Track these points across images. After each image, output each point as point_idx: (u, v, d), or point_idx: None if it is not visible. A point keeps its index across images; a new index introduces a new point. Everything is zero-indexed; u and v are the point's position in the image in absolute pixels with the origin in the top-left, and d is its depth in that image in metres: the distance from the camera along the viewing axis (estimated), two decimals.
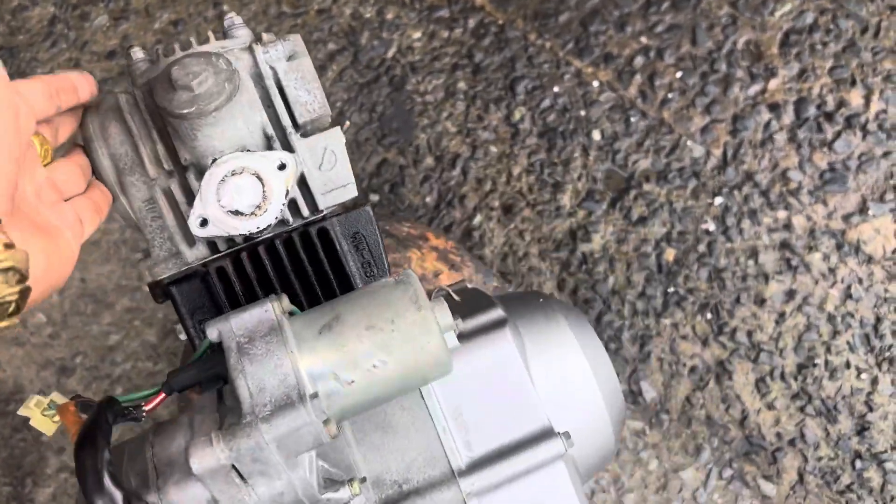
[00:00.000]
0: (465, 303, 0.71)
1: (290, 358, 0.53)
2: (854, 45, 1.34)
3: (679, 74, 1.35)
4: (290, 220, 0.65)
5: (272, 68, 0.65)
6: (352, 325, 0.56)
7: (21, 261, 0.44)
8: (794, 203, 1.28)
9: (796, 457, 1.17)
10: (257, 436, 0.50)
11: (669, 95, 1.34)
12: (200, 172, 0.62)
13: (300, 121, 0.65)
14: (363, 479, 0.62)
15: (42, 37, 1.48)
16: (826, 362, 1.20)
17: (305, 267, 0.67)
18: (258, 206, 0.61)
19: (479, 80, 1.38)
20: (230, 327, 0.56)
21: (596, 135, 1.33)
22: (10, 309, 0.44)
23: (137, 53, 0.66)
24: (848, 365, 1.20)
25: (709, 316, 1.24)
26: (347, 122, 0.71)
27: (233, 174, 0.61)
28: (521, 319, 0.73)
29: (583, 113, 1.33)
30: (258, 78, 0.64)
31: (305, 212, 0.65)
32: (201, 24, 1.45)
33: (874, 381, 1.19)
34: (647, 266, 1.26)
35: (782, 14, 1.37)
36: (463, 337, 0.67)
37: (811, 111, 1.32)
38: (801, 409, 1.19)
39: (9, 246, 0.44)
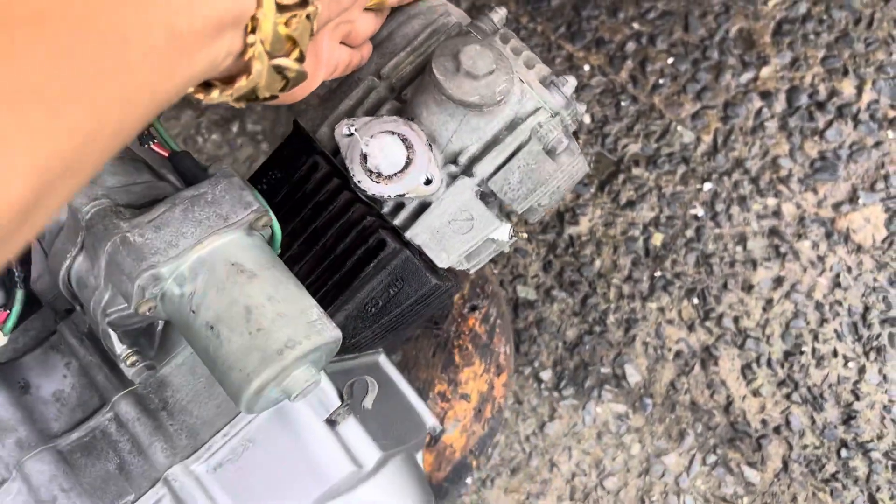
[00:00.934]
0: None
1: None
2: (847, 36, 1.34)
3: (671, 60, 1.34)
4: (385, 209, 0.66)
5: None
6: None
7: (295, 71, 0.48)
8: (784, 190, 1.27)
9: (781, 444, 1.15)
10: None
11: (660, 81, 1.33)
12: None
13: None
14: None
15: None
16: (813, 350, 1.19)
17: (335, 240, 0.67)
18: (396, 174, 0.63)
19: None
20: None
21: (586, 118, 1.32)
22: (249, 97, 0.49)
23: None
24: (835, 353, 1.19)
25: (695, 301, 1.22)
26: (525, 234, 0.72)
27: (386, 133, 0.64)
28: None
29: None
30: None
31: (397, 220, 0.66)
32: None
33: (861, 370, 1.18)
34: (635, 250, 1.25)
35: (776, 3, 1.37)
36: None
37: (803, 100, 1.31)
38: (787, 397, 1.17)
39: (299, 60, 0.48)
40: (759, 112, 1.31)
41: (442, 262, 0.68)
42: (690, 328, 1.21)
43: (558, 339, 1.21)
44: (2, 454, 0.64)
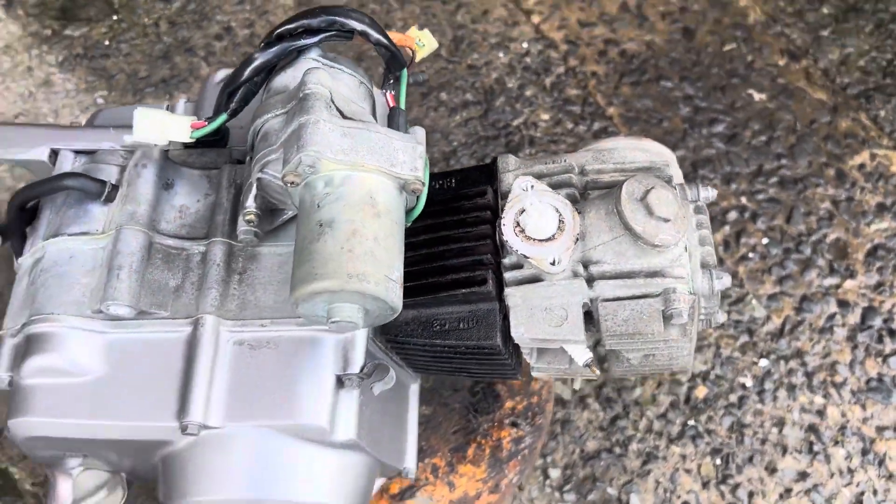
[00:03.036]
0: None
1: None
2: None
3: (765, 241, 1.41)
4: (506, 260, 0.74)
5: None
6: None
7: None
8: (834, 395, 1.29)
9: None
10: None
11: (750, 255, 1.39)
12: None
13: None
14: None
15: None
16: None
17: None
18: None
19: None
20: None
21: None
22: None
23: None
24: None
25: (718, 462, 1.23)
26: (597, 373, 0.80)
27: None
28: None
29: None
30: None
31: (508, 274, 0.74)
32: None
33: None
34: (677, 393, 1.27)
35: (878, 229, 1.43)
36: None
37: (877, 322, 1.35)
38: None
39: None
40: (832, 316, 1.35)
41: (517, 333, 0.71)
42: (705, 485, 1.21)
43: (577, 445, 1.22)
44: (115, 216, 0.71)
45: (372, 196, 0.64)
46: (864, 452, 1.24)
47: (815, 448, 1.24)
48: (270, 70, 0.70)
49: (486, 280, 0.71)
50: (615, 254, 0.69)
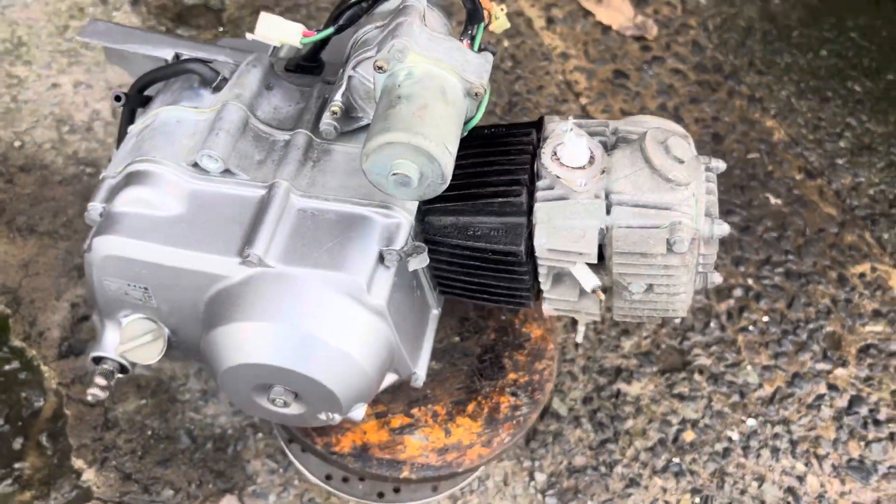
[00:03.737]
0: None
1: None
2: None
3: (765, 319, 1.50)
4: (540, 182, 0.85)
5: None
6: None
7: None
8: (815, 466, 1.34)
9: None
10: None
11: (750, 328, 1.49)
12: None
13: None
14: None
15: None
16: None
17: None
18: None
19: None
20: None
21: (676, 319, 1.48)
22: None
23: None
24: None
25: (696, 500, 1.27)
26: (602, 297, 0.88)
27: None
28: None
29: None
30: None
31: (539, 192, 0.86)
32: None
33: None
34: (666, 432, 1.34)
35: (872, 330, 1.53)
36: None
37: (863, 410, 1.42)
38: None
39: None
40: (821, 396, 1.43)
41: (539, 242, 0.83)
42: None
43: (566, 457, 1.28)
44: (222, 97, 0.87)
45: (444, 88, 0.78)
46: None
47: None
48: None
49: (521, 193, 0.83)
50: (633, 185, 0.81)
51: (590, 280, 0.84)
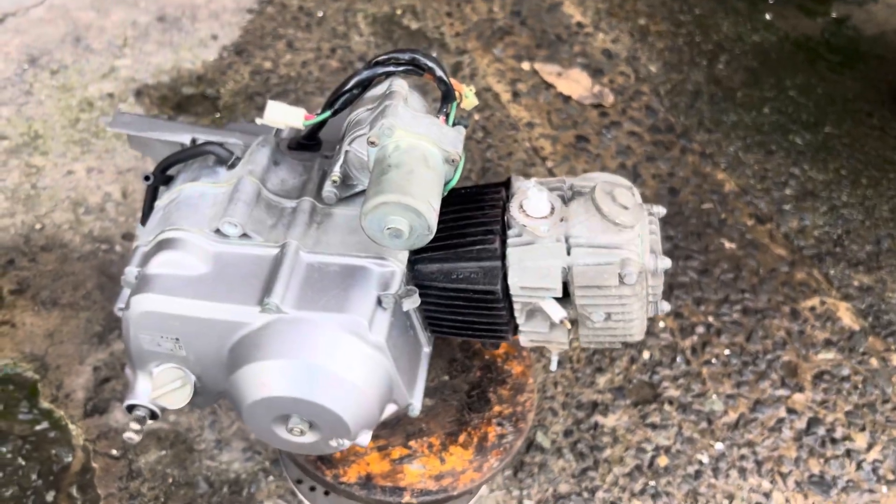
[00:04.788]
0: None
1: None
2: (873, 407, 1.61)
3: (727, 352, 1.65)
4: (510, 232, 1.02)
5: None
6: None
7: None
8: (780, 483, 1.47)
9: None
10: None
11: (713, 360, 1.63)
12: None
13: None
14: None
15: None
16: None
17: None
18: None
19: None
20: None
21: (646, 355, 1.62)
22: None
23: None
24: None
25: None
26: (569, 326, 1.01)
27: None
28: None
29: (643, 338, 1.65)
30: None
31: (510, 239, 1.02)
32: None
33: None
34: (641, 458, 1.46)
35: (825, 358, 1.68)
36: None
37: (821, 430, 1.56)
38: None
39: None
40: (781, 419, 1.56)
41: (512, 282, 0.98)
42: None
43: (551, 486, 1.40)
44: (237, 172, 1.02)
45: (425, 157, 0.94)
46: None
47: None
48: (366, 86, 1.03)
49: (495, 241, 0.98)
50: (588, 229, 0.97)
51: (557, 312, 0.98)
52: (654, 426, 1.51)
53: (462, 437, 1.20)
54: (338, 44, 2.16)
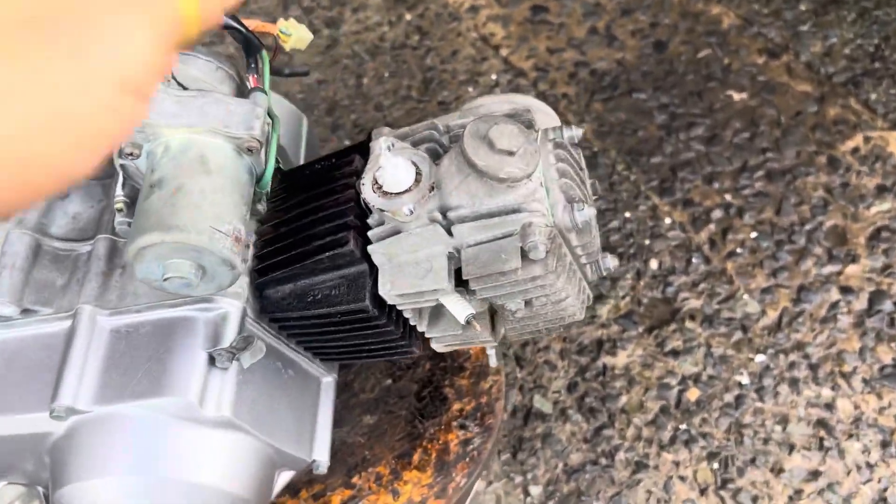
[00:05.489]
0: None
1: None
2: None
3: (753, 235, 1.34)
4: (371, 220, 0.71)
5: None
6: None
7: None
8: (844, 386, 1.18)
9: None
10: None
11: (738, 250, 1.32)
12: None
13: None
14: None
15: None
16: None
17: None
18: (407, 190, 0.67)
19: None
20: None
21: (653, 264, 1.33)
22: None
23: None
24: None
25: (716, 466, 1.13)
26: (490, 339, 0.76)
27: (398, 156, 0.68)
28: None
29: (647, 242, 1.35)
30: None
31: (371, 232, 0.70)
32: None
33: None
34: (666, 398, 1.20)
35: (879, 211, 1.35)
36: None
37: (887, 305, 1.25)
38: None
39: None
40: (835, 304, 1.26)
41: (384, 290, 0.69)
42: (703, 492, 1.12)
43: (560, 459, 1.16)
44: (5, 225, 0.74)
45: (203, 156, 0.65)
46: (885, 445, 1.13)
47: (827, 444, 1.14)
48: None
49: (348, 240, 0.70)
50: (468, 195, 0.67)
51: (462, 310, 0.71)
52: (675, 353, 1.23)
53: (416, 457, 0.96)
54: None
